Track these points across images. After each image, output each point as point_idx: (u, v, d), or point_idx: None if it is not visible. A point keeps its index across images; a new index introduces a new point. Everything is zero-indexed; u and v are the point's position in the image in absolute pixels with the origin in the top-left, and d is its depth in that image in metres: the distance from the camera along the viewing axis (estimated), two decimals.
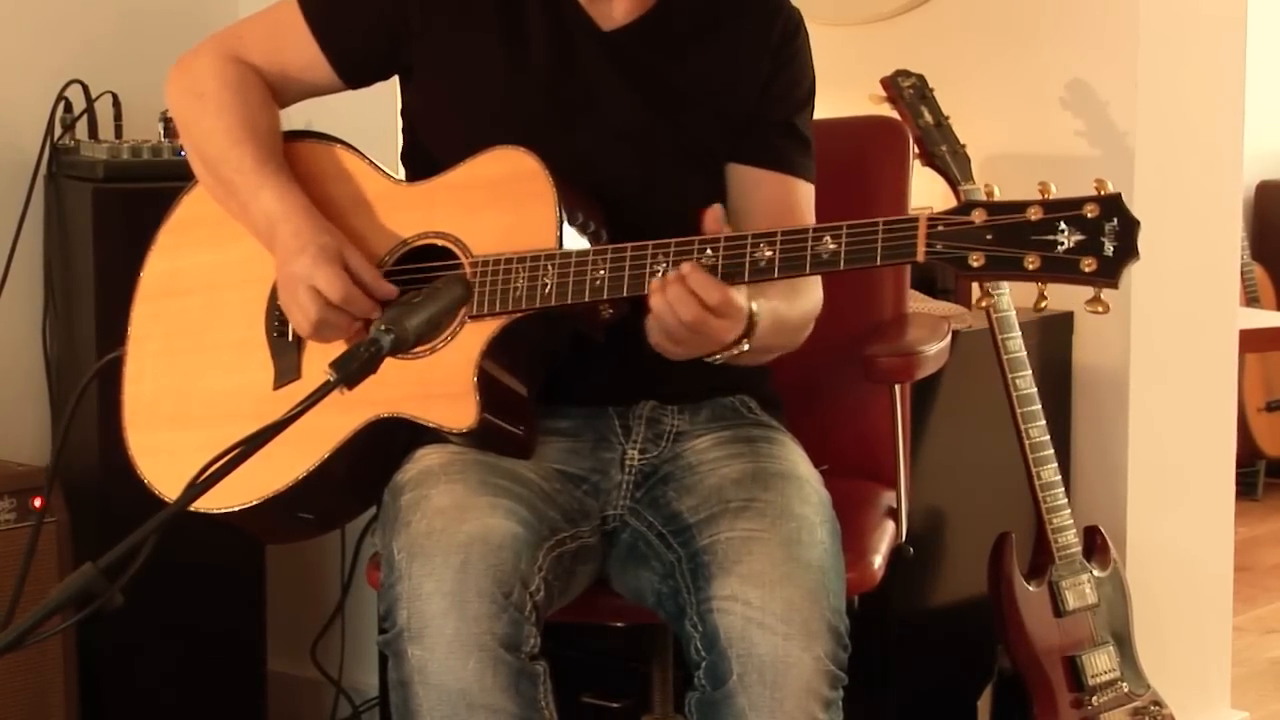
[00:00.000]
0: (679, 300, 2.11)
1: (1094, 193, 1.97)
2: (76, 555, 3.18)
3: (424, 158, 2.44)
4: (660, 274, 2.13)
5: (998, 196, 2.03)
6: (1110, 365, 3.50)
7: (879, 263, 2.06)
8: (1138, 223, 1.95)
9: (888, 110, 3.16)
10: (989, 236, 1.99)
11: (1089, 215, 1.96)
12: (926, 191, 3.20)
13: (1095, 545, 3.27)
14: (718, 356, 2.21)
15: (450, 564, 2.12)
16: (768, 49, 2.47)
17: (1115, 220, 1.95)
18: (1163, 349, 3.53)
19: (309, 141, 2.50)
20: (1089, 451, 3.55)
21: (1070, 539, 3.20)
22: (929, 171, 3.15)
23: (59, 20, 3.54)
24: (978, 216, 2.00)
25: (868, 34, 3.70)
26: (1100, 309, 2.00)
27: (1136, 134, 3.44)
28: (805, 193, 2.48)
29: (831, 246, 2.08)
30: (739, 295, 2.14)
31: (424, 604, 2.12)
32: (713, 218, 2.15)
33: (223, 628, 3.50)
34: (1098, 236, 1.96)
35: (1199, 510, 3.70)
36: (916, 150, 3.09)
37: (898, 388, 2.80)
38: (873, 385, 2.80)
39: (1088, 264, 1.95)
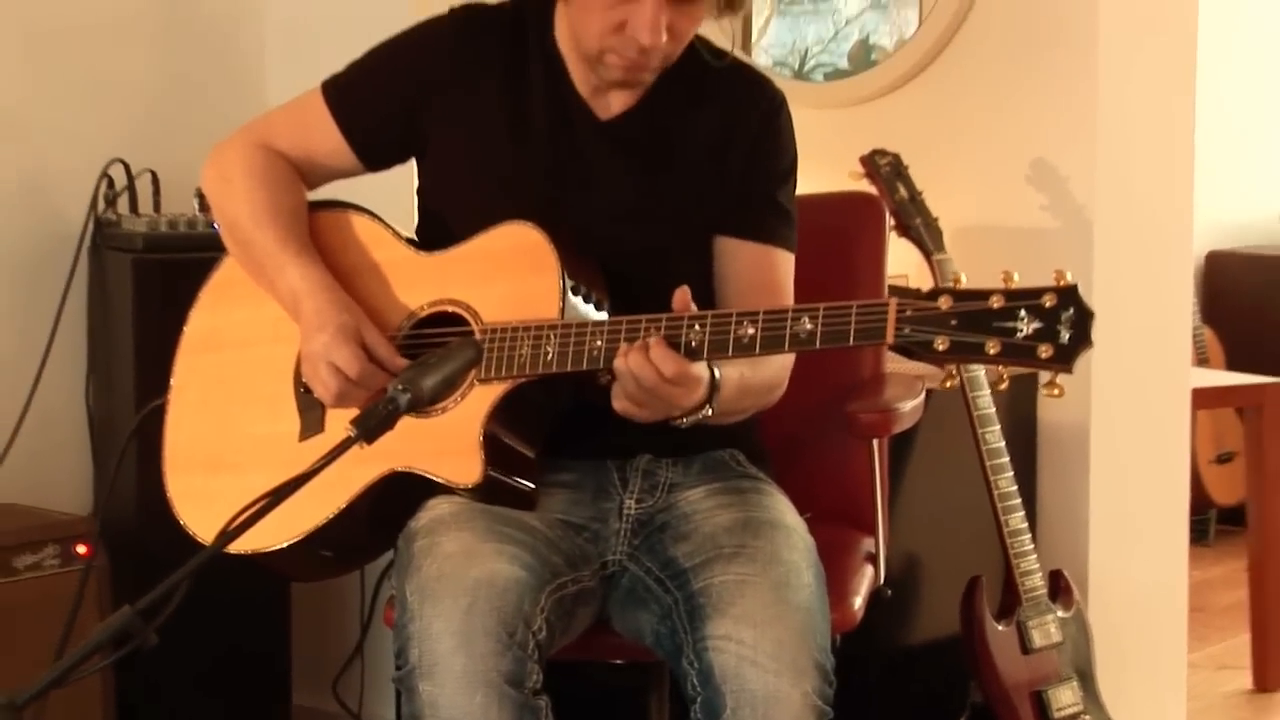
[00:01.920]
0: (639, 367, 2.11)
1: (1053, 283, 1.97)
2: (115, 597, 3.16)
3: (437, 229, 2.44)
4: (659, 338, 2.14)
5: (965, 283, 2.01)
6: (1072, 421, 3.50)
7: (851, 344, 2.06)
8: (1092, 314, 1.95)
9: (866, 186, 3.18)
10: (954, 322, 1.99)
11: (1047, 305, 1.96)
12: (903, 260, 3.20)
13: (1059, 587, 3.26)
14: (683, 420, 2.21)
15: (459, 605, 2.12)
16: (751, 129, 2.47)
17: (1071, 310, 1.95)
18: (1121, 406, 3.53)
19: (335, 210, 2.50)
20: (1053, 500, 3.54)
21: (1036, 582, 3.20)
22: (905, 242, 3.16)
23: (103, 103, 3.55)
24: (944, 303, 2.00)
25: (848, 116, 3.71)
26: (1056, 392, 1.99)
27: (1095, 208, 3.45)
28: (785, 262, 2.48)
29: (809, 327, 2.07)
30: (697, 367, 2.15)
31: (434, 643, 2.11)
32: (680, 299, 2.15)
33: (252, 663, 3.49)
34: (1054, 325, 1.95)
35: (1155, 555, 3.69)
36: (893, 222, 3.09)
37: (876, 441, 2.79)
38: (853, 439, 2.79)
39: (1045, 350, 1.95)
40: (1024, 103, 3.53)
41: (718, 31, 2.48)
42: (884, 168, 3.20)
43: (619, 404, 2.18)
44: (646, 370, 2.12)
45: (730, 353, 2.12)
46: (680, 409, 2.18)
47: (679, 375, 2.12)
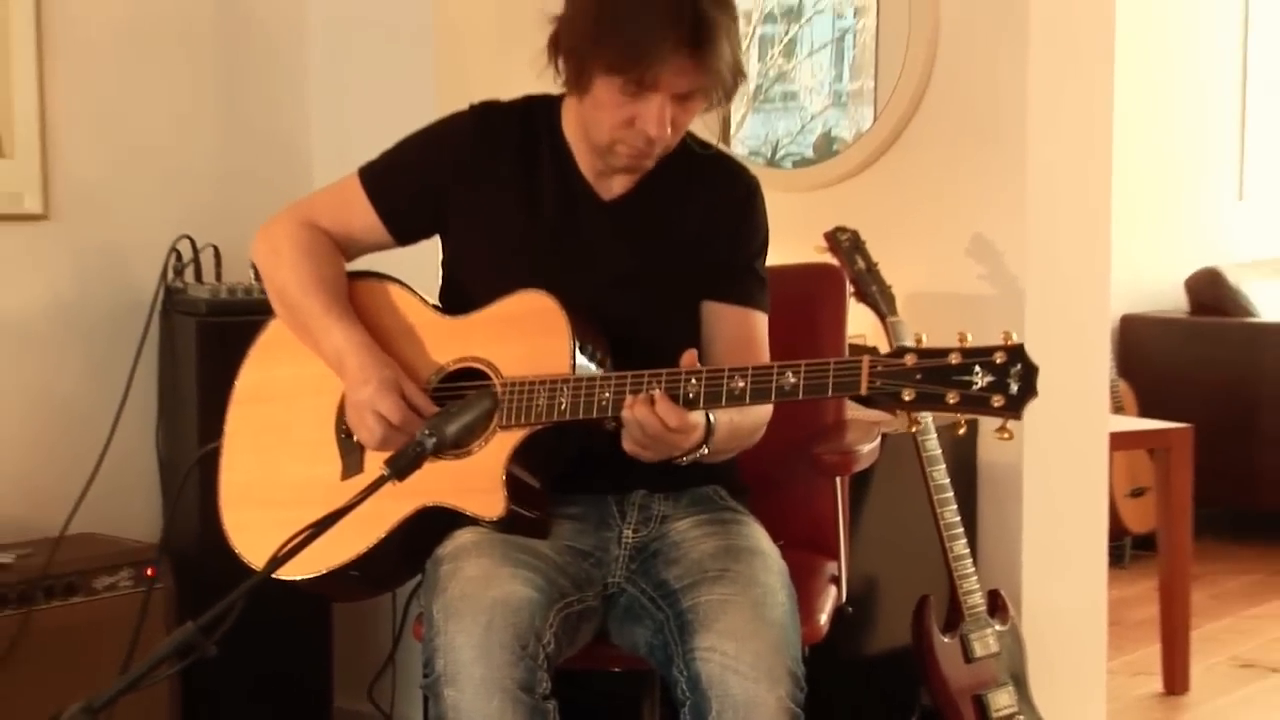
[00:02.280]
0: (644, 417, 2.12)
1: (1002, 342, 1.97)
2: (180, 614, 3.14)
3: (459, 296, 2.43)
4: (659, 391, 2.14)
5: (925, 342, 2.01)
6: (1008, 461, 3.49)
7: (830, 394, 2.06)
8: (1037, 368, 1.96)
9: (829, 258, 3.17)
10: (918, 376, 1.99)
11: (998, 361, 1.96)
12: (861, 322, 3.20)
13: (997, 605, 3.25)
14: (683, 459, 2.21)
15: (479, 622, 2.11)
16: (731, 210, 2.47)
17: (1019, 365, 1.96)
18: (1049, 448, 3.52)
19: (371, 280, 2.49)
20: (991, 529, 3.53)
21: (977, 600, 3.18)
22: (863, 306, 3.15)
23: (173, 187, 3.55)
24: (909, 360, 2.00)
25: (813, 198, 3.71)
26: (1005, 436, 2.00)
27: (1027, 278, 3.45)
28: (761, 322, 2.47)
29: (792, 380, 2.07)
30: (695, 415, 2.15)
31: (457, 654, 2.11)
32: (688, 358, 2.15)
33: (298, 671, 3.46)
34: (1005, 378, 1.96)
35: (1079, 576, 3.68)
36: (852, 290, 3.09)
37: (839, 479, 2.79)
38: (820, 477, 2.79)
39: (997, 400, 1.95)
40: (964, 187, 3.53)
41: (702, 125, 2.48)
42: (844, 242, 3.20)
43: (628, 446, 2.18)
44: (651, 420, 2.12)
45: (724, 403, 2.12)
46: (680, 451, 2.19)
47: (680, 424, 2.12)
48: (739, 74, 2.30)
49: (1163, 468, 4.32)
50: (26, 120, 3.31)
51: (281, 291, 2.45)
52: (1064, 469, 3.59)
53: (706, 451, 2.22)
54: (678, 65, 2.22)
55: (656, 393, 2.12)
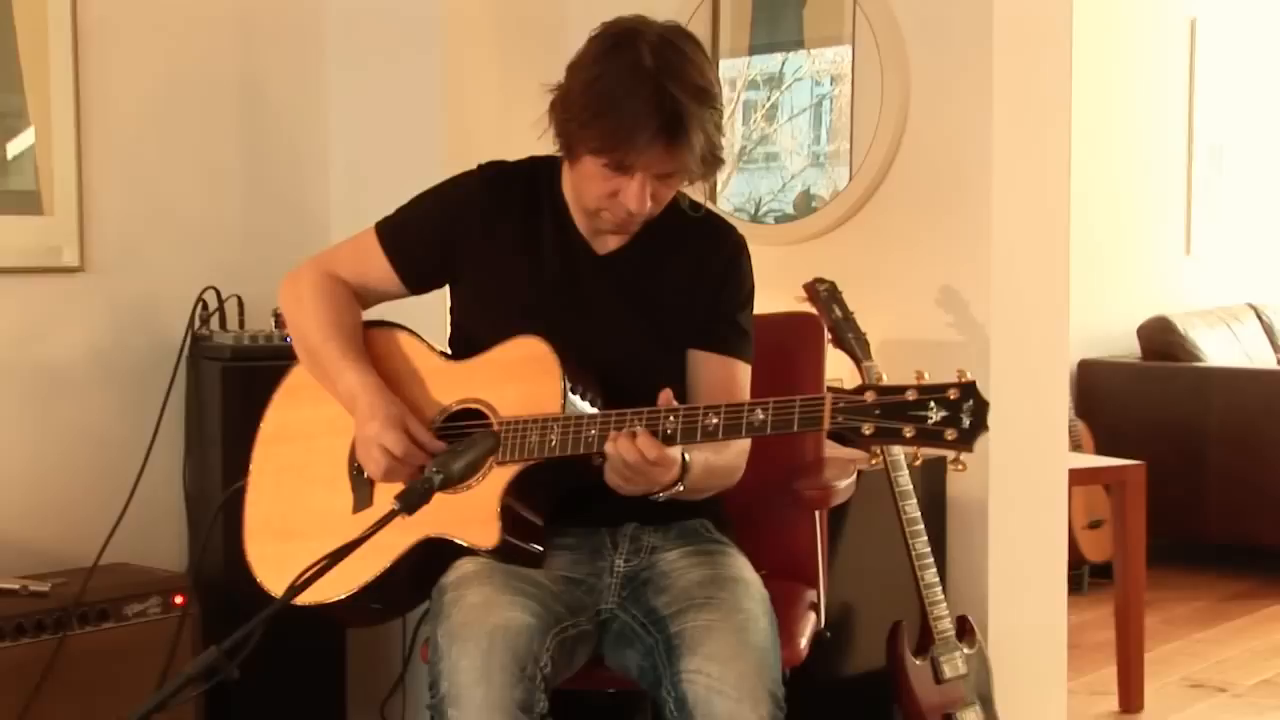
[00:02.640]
0: (626, 450, 2.11)
1: (956, 380, 1.96)
2: (205, 639, 3.13)
3: (465, 342, 2.43)
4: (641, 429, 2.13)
5: (886, 380, 2.01)
6: (975, 496, 3.48)
7: (795, 430, 2.05)
8: (987, 404, 1.94)
9: (808, 307, 3.17)
10: (877, 412, 1.99)
11: (951, 397, 1.95)
12: (838, 367, 3.18)
13: (965, 629, 3.24)
14: (660, 495, 2.20)
15: (480, 647, 2.10)
16: (719, 266, 2.47)
17: (971, 401, 1.95)
18: (1012, 483, 3.51)
19: (384, 328, 2.49)
20: (960, 559, 3.51)
21: (946, 625, 3.17)
22: (839, 352, 3.15)
23: (199, 243, 3.55)
24: (869, 396, 1.99)
25: (793, 252, 3.71)
26: (960, 468, 2.00)
27: (991, 326, 3.44)
28: (744, 372, 2.46)
29: (761, 417, 2.07)
30: (673, 451, 2.14)
31: (460, 677, 2.09)
32: (664, 397, 2.15)
33: (315, 691, 3.44)
34: (958, 413, 1.95)
35: (1041, 602, 3.66)
36: (830, 337, 3.09)
37: (818, 512, 2.78)
38: (799, 511, 2.78)
39: (950, 434, 1.95)
40: (933, 242, 3.53)
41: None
42: (822, 293, 3.20)
43: (610, 479, 2.17)
44: (632, 453, 2.11)
45: (699, 438, 2.11)
46: (659, 485, 2.18)
47: (659, 458, 2.12)
48: (714, 160, 2.31)
49: (1118, 501, 4.31)
50: (65, 181, 3.32)
51: (304, 337, 2.46)
52: (1026, 503, 3.58)
53: (682, 488, 2.21)
54: (654, 153, 2.24)
55: (638, 428, 2.12)
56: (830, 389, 2.05)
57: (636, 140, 2.21)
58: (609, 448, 2.13)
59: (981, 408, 1.94)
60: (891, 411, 1.97)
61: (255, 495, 2.48)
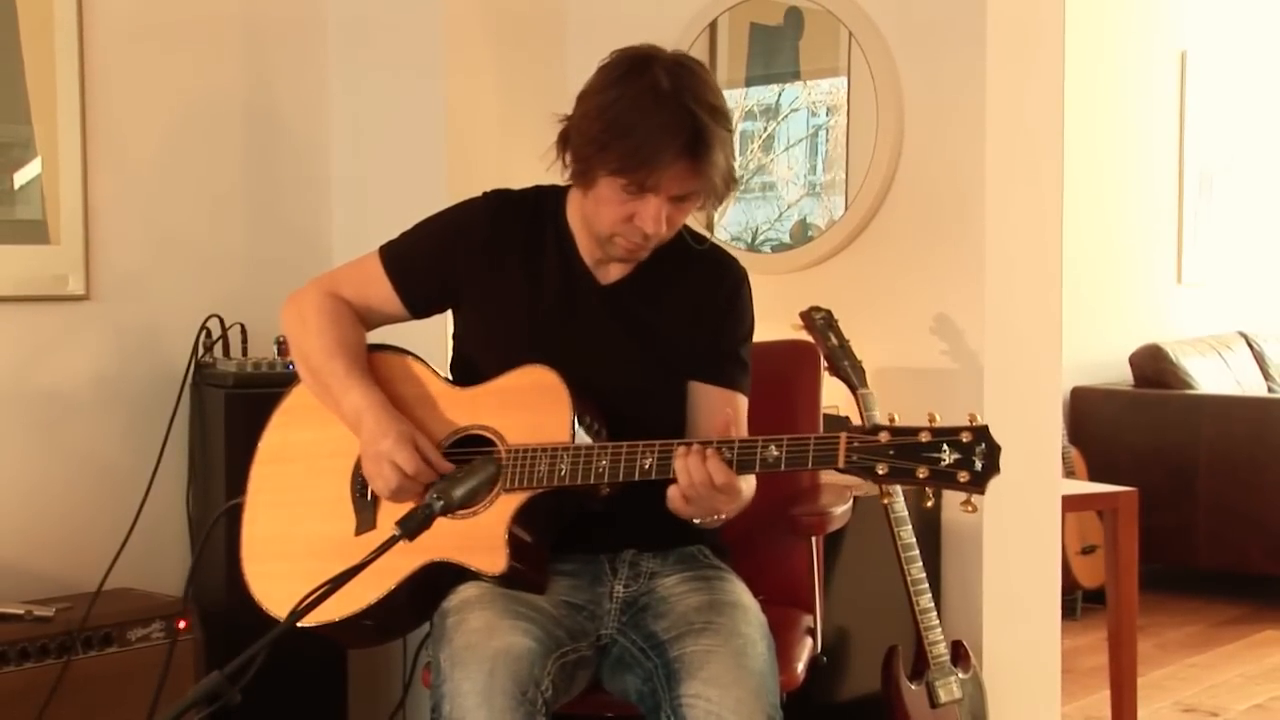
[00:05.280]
0: (694, 467, 2.11)
1: (968, 423, 1.98)
2: (208, 663, 3.12)
3: (467, 368, 2.43)
4: (651, 461, 2.14)
5: (897, 420, 2.01)
6: (969, 521, 3.47)
7: (810, 467, 2.08)
8: (999, 447, 1.96)
9: (805, 335, 3.17)
10: (891, 452, 2.00)
11: (964, 440, 1.97)
12: (834, 394, 3.19)
13: (960, 654, 3.23)
14: (707, 520, 2.21)
15: (482, 670, 2.10)
16: (720, 299, 2.47)
17: (983, 445, 1.97)
18: (1006, 509, 3.50)
19: (388, 352, 2.49)
20: (954, 584, 3.51)
21: (941, 650, 3.16)
22: (835, 380, 3.14)
23: (203, 272, 3.56)
24: (883, 437, 2.01)
25: (790, 280, 3.72)
26: (970, 509, 2.01)
27: (984, 354, 3.44)
28: (743, 404, 2.46)
29: (775, 453, 2.08)
30: (743, 481, 2.15)
31: (462, 700, 2.09)
32: (721, 426, 2.17)
33: (317, 714, 3.43)
34: (970, 456, 1.96)
35: (1035, 627, 3.65)
36: (826, 364, 3.08)
37: (814, 539, 2.78)
38: (796, 537, 2.78)
39: (963, 476, 1.96)
40: (928, 271, 3.54)
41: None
42: (819, 321, 3.20)
43: (674, 497, 2.16)
44: (700, 471, 2.11)
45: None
46: (717, 512, 2.19)
47: (725, 484, 2.12)
48: (731, 181, 2.32)
49: (1111, 528, 4.30)
50: (71, 210, 3.32)
51: (307, 355, 2.44)
52: (1020, 529, 3.58)
53: (725, 516, 2.22)
54: (676, 172, 2.23)
55: (710, 449, 2.11)
56: (827, 418, 2.05)
57: (660, 159, 2.21)
58: (678, 463, 2.13)
59: (994, 451, 1.96)
60: (905, 453, 1.99)
61: (253, 515, 2.47)
